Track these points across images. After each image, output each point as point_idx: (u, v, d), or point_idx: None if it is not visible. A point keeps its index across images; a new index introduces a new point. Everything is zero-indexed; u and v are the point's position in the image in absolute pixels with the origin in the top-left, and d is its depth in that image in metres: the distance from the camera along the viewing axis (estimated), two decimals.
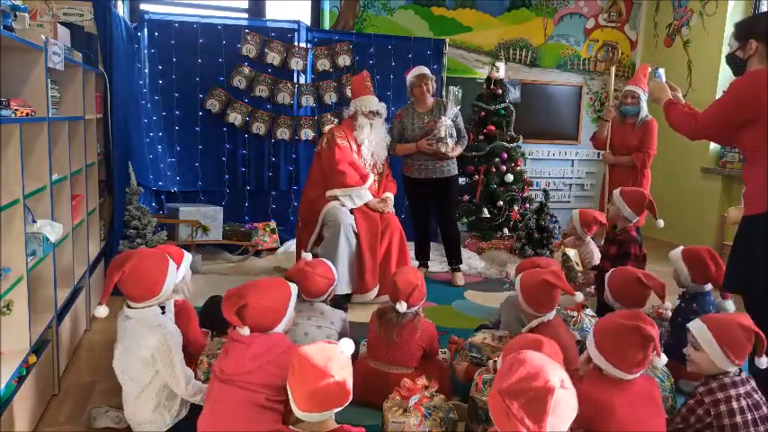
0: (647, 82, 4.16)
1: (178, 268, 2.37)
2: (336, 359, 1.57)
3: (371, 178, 4.00)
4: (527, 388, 1.30)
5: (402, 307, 2.47)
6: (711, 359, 1.97)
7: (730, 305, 2.82)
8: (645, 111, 4.20)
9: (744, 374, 2.00)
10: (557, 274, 2.52)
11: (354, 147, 3.99)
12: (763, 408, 1.95)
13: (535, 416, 1.28)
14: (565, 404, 1.31)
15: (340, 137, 3.94)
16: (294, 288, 2.13)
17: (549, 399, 1.28)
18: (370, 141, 4.01)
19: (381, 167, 4.15)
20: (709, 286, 2.84)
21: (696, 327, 2.03)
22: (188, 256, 2.50)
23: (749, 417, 1.90)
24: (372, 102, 4.05)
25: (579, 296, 2.60)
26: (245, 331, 1.88)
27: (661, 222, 3.40)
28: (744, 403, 1.92)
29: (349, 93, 4.95)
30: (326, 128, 5.19)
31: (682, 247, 2.95)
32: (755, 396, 1.97)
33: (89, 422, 2.30)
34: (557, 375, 1.32)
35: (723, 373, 1.98)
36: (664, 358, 1.83)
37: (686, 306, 2.85)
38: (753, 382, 2.00)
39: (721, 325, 1.98)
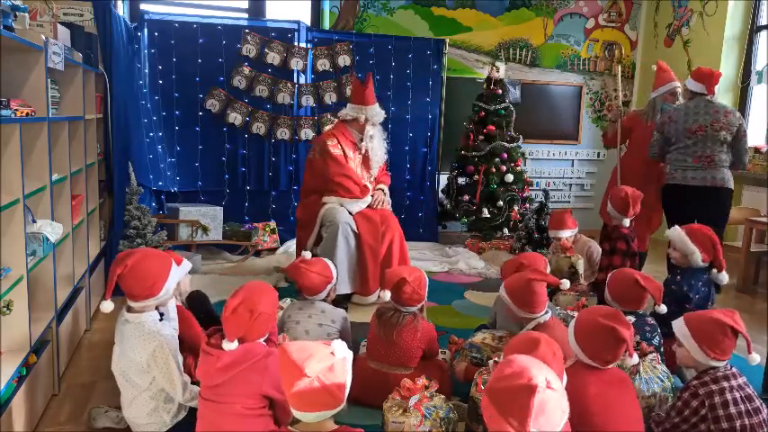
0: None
1: None
2: (317, 358, 1.51)
3: (371, 189, 3.93)
4: (510, 387, 1.30)
5: (385, 296, 2.52)
6: (692, 355, 2.04)
7: (724, 277, 2.88)
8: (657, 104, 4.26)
9: (735, 369, 2.04)
10: (538, 270, 2.57)
11: (351, 154, 3.90)
12: (756, 400, 1.99)
13: (519, 415, 1.27)
14: (554, 405, 1.30)
15: (333, 145, 3.83)
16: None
17: (531, 397, 1.27)
18: (375, 149, 3.96)
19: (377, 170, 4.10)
20: (699, 264, 2.93)
21: (676, 323, 2.12)
22: (186, 264, 2.36)
23: (743, 408, 1.95)
24: (380, 113, 3.98)
25: (566, 283, 2.64)
26: (233, 345, 1.82)
27: (626, 221, 3.45)
28: (737, 395, 1.96)
29: (348, 92, 4.93)
30: (313, 136, 5.19)
31: (677, 227, 3.05)
32: (748, 389, 2.01)
33: (89, 422, 2.30)
34: (542, 375, 1.31)
35: (713, 368, 2.02)
36: (635, 359, 1.95)
37: (671, 279, 2.99)
38: (742, 378, 2.04)
39: (699, 321, 2.05)
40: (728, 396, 1.95)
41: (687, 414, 1.99)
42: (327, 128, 4.57)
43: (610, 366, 1.94)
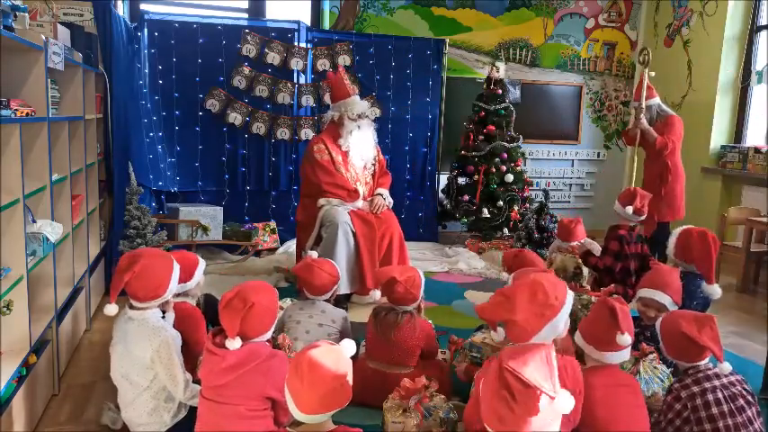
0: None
1: (192, 275, 2.42)
2: (345, 360, 1.58)
3: (361, 193, 3.91)
4: (524, 349, 1.37)
5: (375, 294, 2.59)
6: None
7: (715, 290, 2.82)
8: (653, 112, 4.47)
9: (717, 369, 2.03)
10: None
11: (339, 158, 3.89)
12: (740, 399, 1.98)
13: (544, 375, 1.32)
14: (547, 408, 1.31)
15: (318, 150, 3.84)
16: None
17: (549, 356, 1.33)
18: (358, 146, 3.92)
19: (372, 167, 4.09)
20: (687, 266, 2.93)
21: (658, 322, 2.16)
22: (202, 263, 2.48)
23: (725, 408, 1.94)
24: (358, 104, 3.93)
25: None
26: (236, 343, 1.81)
27: (629, 209, 3.46)
28: (720, 395, 1.95)
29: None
30: (312, 136, 5.14)
31: (686, 226, 3.04)
32: (733, 389, 1.99)
33: (97, 417, 2.32)
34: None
35: (693, 367, 2.02)
36: (627, 338, 1.88)
37: None
38: (732, 377, 2.02)
39: (667, 326, 2.08)
40: (710, 397, 1.94)
41: (671, 417, 2.00)
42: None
43: (612, 356, 1.92)
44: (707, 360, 2.02)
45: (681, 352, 2.02)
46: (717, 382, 1.97)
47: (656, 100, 4.53)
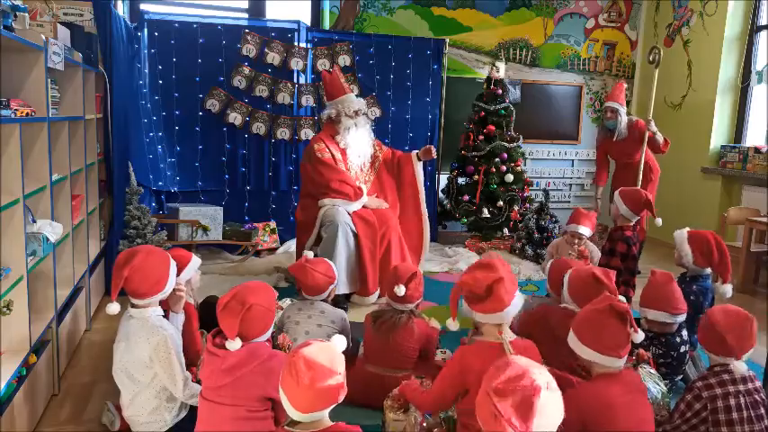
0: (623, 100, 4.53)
1: (182, 271, 2.40)
2: (338, 355, 1.57)
3: (365, 190, 3.91)
4: (514, 388, 1.30)
5: (401, 290, 2.50)
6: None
7: (728, 289, 2.85)
8: (623, 122, 4.50)
9: (749, 373, 2.03)
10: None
11: (339, 155, 3.89)
12: (761, 408, 1.98)
13: (523, 415, 1.28)
14: (552, 406, 1.31)
15: (320, 149, 3.84)
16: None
17: (535, 398, 1.28)
18: (355, 142, 3.94)
19: (371, 162, 4.10)
20: (708, 270, 2.95)
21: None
22: (195, 260, 2.46)
23: (745, 414, 1.95)
24: (354, 101, 3.95)
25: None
26: (236, 344, 1.82)
27: (659, 221, 3.39)
28: (742, 401, 1.96)
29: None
30: (312, 136, 5.15)
31: (687, 229, 3.04)
32: (755, 396, 1.99)
33: (97, 416, 2.33)
34: (543, 377, 1.33)
35: (722, 366, 2.02)
36: (641, 335, 1.84)
37: (686, 288, 2.92)
38: (756, 383, 2.03)
39: (706, 319, 2.11)
40: (732, 401, 1.95)
41: (689, 416, 2.00)
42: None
43: (624, 359, 1.85)
44: (742, 361, 2.02)
45: (709, 341, 2.06)
46: (741, 387, 1.98)
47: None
